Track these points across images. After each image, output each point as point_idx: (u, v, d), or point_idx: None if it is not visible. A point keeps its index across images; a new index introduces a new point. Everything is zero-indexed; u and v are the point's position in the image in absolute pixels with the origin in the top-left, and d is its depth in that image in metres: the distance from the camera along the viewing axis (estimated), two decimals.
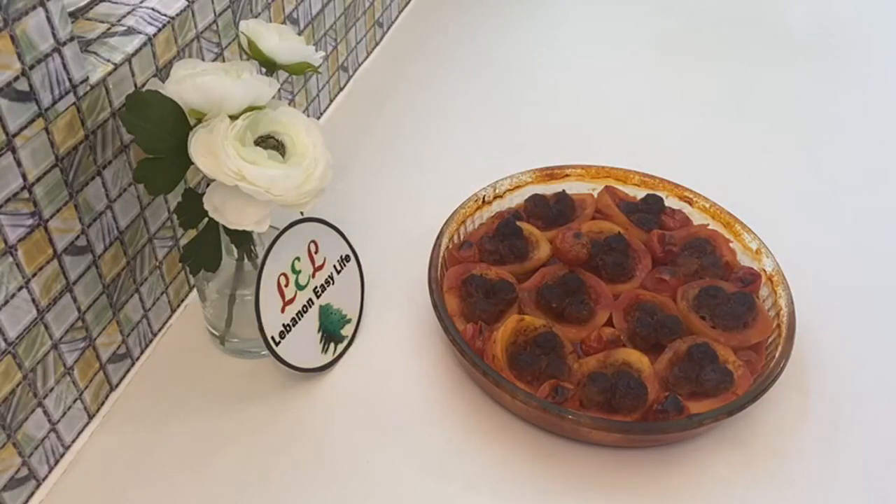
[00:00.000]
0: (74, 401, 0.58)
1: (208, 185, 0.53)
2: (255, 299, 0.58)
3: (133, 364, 0.65)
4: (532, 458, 0.60)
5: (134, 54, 0.56)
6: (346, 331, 0.67)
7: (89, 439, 0.60)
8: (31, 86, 0.47)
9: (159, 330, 0.68)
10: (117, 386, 0.63)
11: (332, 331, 0.66)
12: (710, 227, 0.74)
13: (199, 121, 0.52)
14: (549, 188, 0.77)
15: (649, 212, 0.75)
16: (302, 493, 0.58)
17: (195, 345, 0.67)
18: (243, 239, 0.61)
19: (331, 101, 0.95)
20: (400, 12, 1.13)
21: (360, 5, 0.97)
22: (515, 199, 0.77)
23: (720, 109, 0.98)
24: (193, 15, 0.62)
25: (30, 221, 0.50)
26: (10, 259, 0.49)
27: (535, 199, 0.75)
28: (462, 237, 0.73)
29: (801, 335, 0.65)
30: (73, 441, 0.59)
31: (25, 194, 0.49)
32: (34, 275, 0.51)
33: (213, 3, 0.65)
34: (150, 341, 0.67)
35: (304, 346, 0.63)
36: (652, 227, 0.74)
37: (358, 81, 1.00)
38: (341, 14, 0.92)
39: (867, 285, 0.75)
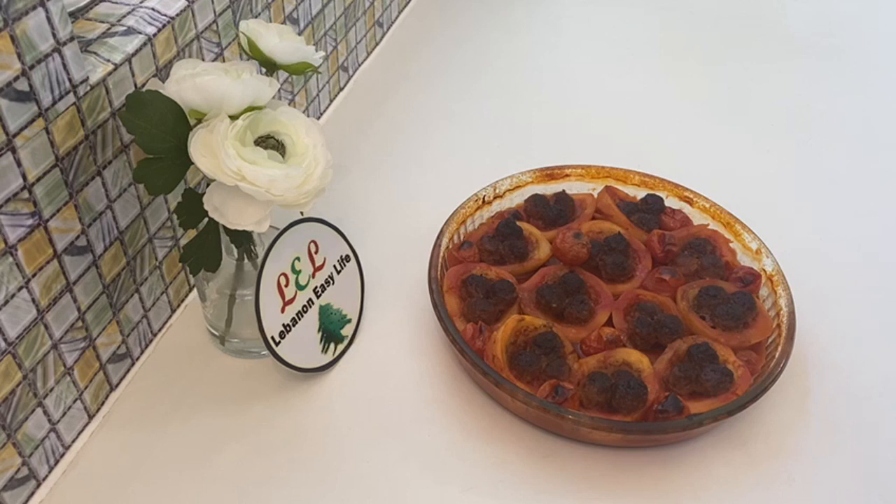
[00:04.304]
0: (74, 401, 0.58)
1: (208, 185, 0.53)
2: (255, 299, 0.58)
3: (133, 364, 0.65)
4: (532, 458, 0.60)
5: (134, 54, 0.56)
6: (346, 331, 0.67)
7: (89, 439, 0.60)
8: (31, 86, 0.47)
9: (159, 330, 0.68)
10: (117, 386, 0.63)
11: (332, 331, 0.66)
12: (710, 227, 0.74)
13: (199, 121, 0.52)
14: (549, 188, 0.78)
15: (649, 212, 0.75)
16: (302, 493, 0.58)
17: (195, 345, 0.67)
18: (243, 239, 0.61)
19: (331, 101, 0.95)
20: (400, 12, 1.13)
21: (360, 5, 0.97)
22: (515, 199, 0.77)
23: (720, 109, 0.98)
24: (193, 15, 0.62)
25: (30, 221, 0.50)
26: (10, 259, 0.49)
27: (535, 199, 0.75)
28: (462, 237, 0.73)
29: (801, 335, 0.65)
30: (73, 441, 0.59)
31: (25, 194, 0.49)
32: (34, 275, 0.51)
33: (213, 3, 0.65)
34: (150, 341, 0.67)
35: (304, 346, 0.63)
36: (652, 227, 0.74)
37: (358, 81, 1.00)
38: (341, 14, 0.92)
39: (867, 285, 0.75)
